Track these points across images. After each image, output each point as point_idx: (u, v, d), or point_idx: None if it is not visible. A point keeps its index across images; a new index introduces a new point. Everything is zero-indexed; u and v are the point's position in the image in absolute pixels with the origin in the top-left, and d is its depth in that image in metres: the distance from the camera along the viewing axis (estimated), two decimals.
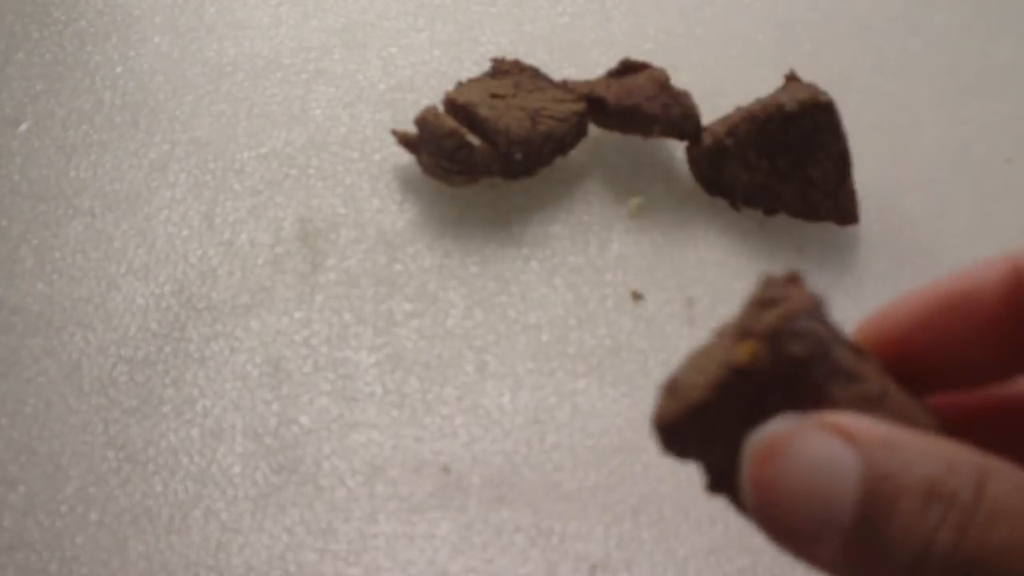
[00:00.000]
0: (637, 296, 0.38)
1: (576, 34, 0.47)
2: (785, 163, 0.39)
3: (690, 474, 0.34)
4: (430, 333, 0.37)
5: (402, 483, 0.33)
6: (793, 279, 0.22)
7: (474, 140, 0.39)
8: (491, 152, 0.39)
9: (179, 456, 0.34)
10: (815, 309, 0.21)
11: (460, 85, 0.41)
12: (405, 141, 0.41)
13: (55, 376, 0.36)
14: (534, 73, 0.42)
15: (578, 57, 0.46)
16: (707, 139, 0.40)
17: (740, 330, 0.21)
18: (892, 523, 0.18)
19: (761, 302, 0.22)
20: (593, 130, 0.41)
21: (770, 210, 0.40)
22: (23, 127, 0.43)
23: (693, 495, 0.33)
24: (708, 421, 0.21)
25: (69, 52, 0.46)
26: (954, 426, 0.21)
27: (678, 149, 0.42)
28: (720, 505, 0.33)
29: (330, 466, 0.34)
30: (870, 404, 0.20)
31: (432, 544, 0.32)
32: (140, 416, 0.35)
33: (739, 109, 0.40)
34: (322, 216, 0.40)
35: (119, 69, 0.45)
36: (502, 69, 0.42)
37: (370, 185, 0.41)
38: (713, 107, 0.41)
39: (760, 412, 0.20)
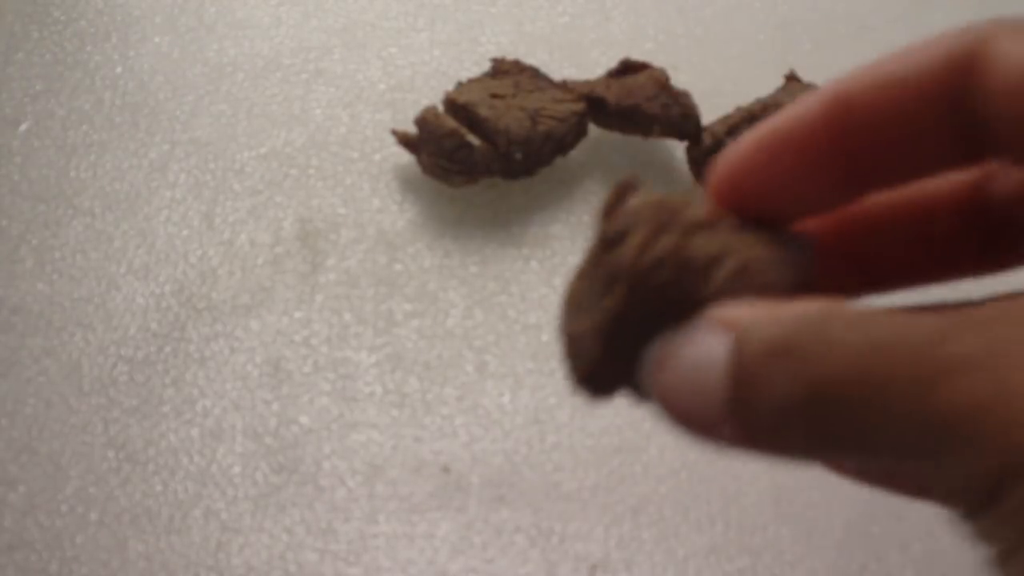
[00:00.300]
0: None
1: (576, 34, 0.47)
2: None
3: (690, 474, 0.34)
4: (430, 333, 0.37)
5: (402, 483, 0.33)
6: (626, 189, 0.23)
7: (474, 140, 0.39)
8: (491, 152, 0.39)
9: (179, 456, 0.34)
10: (660, 214, 0.22)
11: (460, 85, 0.41)
12: (405, 141, 0.41)
13: (55, 376, 0.36)
14: (534, 73, 0.42)
15: (578, 57, 0.46)
16: (707, 139, 0.40)
17: (606, 273, 0.23)
18: (755, 390, 0.20)
19: (612, 238, 0.23)
20: (593, 130, 0.41)
21: None
22: (23, 127, 0.43)
23: (693, 495, 0.33)
24: (613, 361, 0.23)
25: (69, 52, 0.46)
26: (821, 246, 0.24)
27: (678, 149, 0.42)
28: (720, 505, 0.33)
29: (330, 466, 0.34)
30: (734, 278, 0.22)
31: (432, 544, 0.32)
32: (140, 416, 0.35)
33: (739, 109, 0.40)
34: (322, 216, 0.40)
35: (119, 69, 0.45)
36: (502, 69, 0.42)
37: (370, 185, 0.41)
38: (713, 107, 0.41)
39: (653, 326, 0.22)
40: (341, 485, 0.33)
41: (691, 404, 0.21)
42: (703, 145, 0.40)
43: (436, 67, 0.46)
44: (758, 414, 0.20)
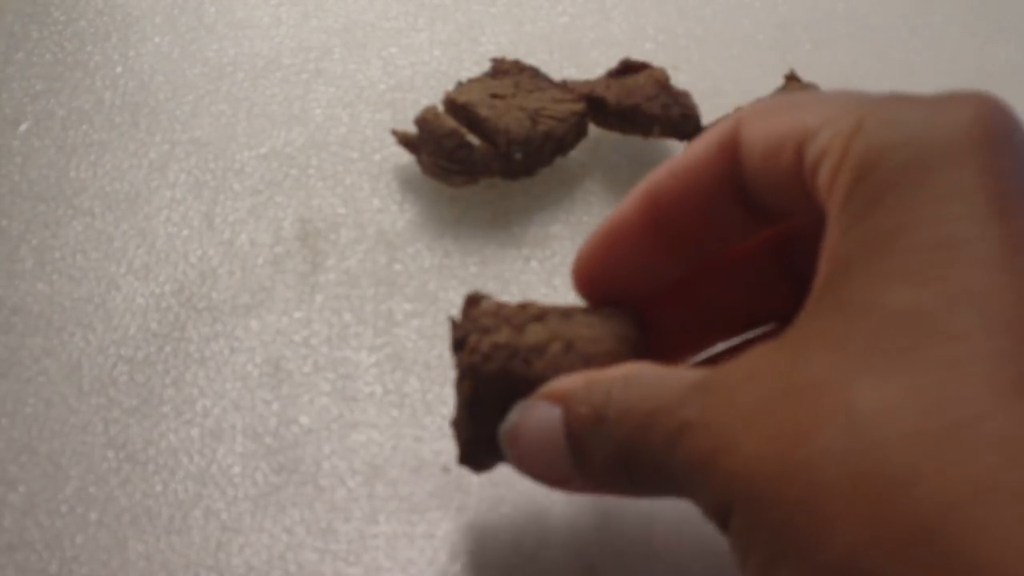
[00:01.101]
0: None
1: (576, 34, 0.47)
2: None
3: None
4: (430, 333, 0.37)
5: (402, 483, 0.33)
6: (471, 302, 0.29)
7: (474, 140, 0.39)
8: (491, 152, 0.39)
9: (179, 456, 0.34)
10: (491, 319, 0.28)
11: (460, 85, 0.41)
12: (405, 141, 0.41)
13: (55, 376, 0.36)
14: (534, 73, 0.42)
15: (578, 57, 0.46)
16: None
17: (459, 371, 0.28)
18: (586, 451, 0.24)
19: (458, 342, 0.28)
20: (593, 130, 0.41)
21: None
22: (23, 127, 0.43)
23: None
24: (484, 440, 0.28)
25: (69, 52, 0.46)
26: (673, 311, 0.29)
27: (678, 149, 0.42)
28: None
29: (330, 466, 0.34)
30: (561, 357, 0.27)
31: (432, 544, 0.32)
32: (140, 416, 0.35)
33: (739, 109, 0.40)
34: (322, 216, 0.40)
35: (119, 69, 0.45)
36: (502, 69, 0.42)
37: (370, 185, 0.41)
38: (713, 107, 0.41)
39: (506, 407, 0.27)
40: (341, 485, 0.33)
41: (542, 466, 0.26)
42: None
43: (436, 67, 0.46)
44: (592, 469, 0.24)
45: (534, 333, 0.27)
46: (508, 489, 0.33)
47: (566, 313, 0.28)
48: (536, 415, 0.25)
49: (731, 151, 0.25)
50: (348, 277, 0.39)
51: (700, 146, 0.26)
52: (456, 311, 0.38)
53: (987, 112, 0.21)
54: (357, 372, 0.36)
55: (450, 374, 0.36)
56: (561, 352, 0.27)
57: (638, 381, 0.23)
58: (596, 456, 0.24)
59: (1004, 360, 0.19)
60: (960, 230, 0.20)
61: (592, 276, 0.28)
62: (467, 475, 0.34)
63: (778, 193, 0.25)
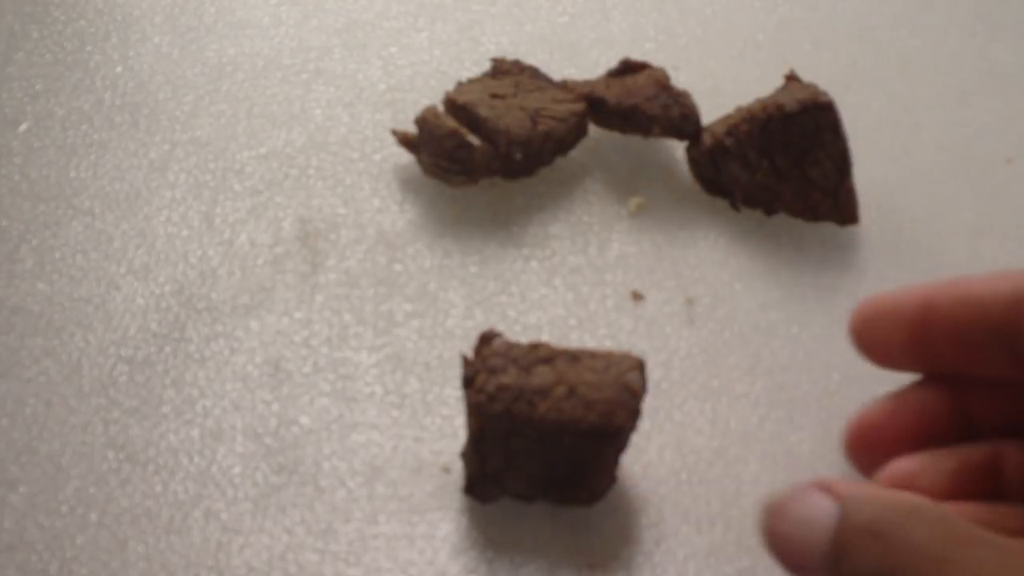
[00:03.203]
0: (637, 296, 0.38)
1: (576, 34, 0.47)
2: (785, 163, 0.39)
3: (689, 475, 0.34)
4: (430, 333, 0.37)
5: (402, 483, 0.33)
6: (484, 340, 0.30)
7: (474, 140, 0.39)
8: (491, 152, 0.39)
9: (179, 456, 0.34)
10: (500, 360, 0.29)
11: (460, 85, 0.41)
12: (405, 141, 0.41)
13: (55, 376, 0.36)
14: (534, 73, 0.42)
15: (578, 57, 0.46)
16: (707, 139, 0.40)
17: (467, 407, 0.29)
18: (849, 558, 0.24)
19: (468, 380, 0.29)
20: (593, 130, 0.41)
21: (770, 210, 0.40)
22: (23, 127, 0.43)
23: (693, 496, 0.33)
24: (492, 473, 0.30)
25: (69, 52, 0.46)
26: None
27: (678, 149, 0.42)
28: (720, 506, 0.33)
29: (330, 467, 0.34)
30: (563, 401, 0.28)
31: (432, 544, 0.32)
32: (140, 416, 0.35)
33: (739, 109, 0.40)
34: (322, 216, 0.40)
35: (119, 69, 0.45)
36: (502, 69, 0.42)
37: (370, 185, 0.41)
38: (713, 107, 0.41)
39: (513, 444, 0.29)
40: (341, 486, 0.33)
41: (795, 551, 0.26)
42: (703, 145, 0.40)
43: (436, 67, 0.46)
44: (846, 574, 0.24)
45: (541, 375, 0.29)
46: None
47: (575, 356, 0.29)
48: (807, 501, 0.26)
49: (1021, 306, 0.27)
50: (348, 277, 0.39)
51: (994, 286, 0.28)
52: (456, 311, 0.38)
53: None
54: (357, 372, 0.36)
55: (450, 374, 0.36)
56: (564, 396, 0.28)
57: (923, 519, 0.24)
58: (858, 567, 0.24)
59: None
60: None
61: (865, 332, 0.31)
62: None
63: None
